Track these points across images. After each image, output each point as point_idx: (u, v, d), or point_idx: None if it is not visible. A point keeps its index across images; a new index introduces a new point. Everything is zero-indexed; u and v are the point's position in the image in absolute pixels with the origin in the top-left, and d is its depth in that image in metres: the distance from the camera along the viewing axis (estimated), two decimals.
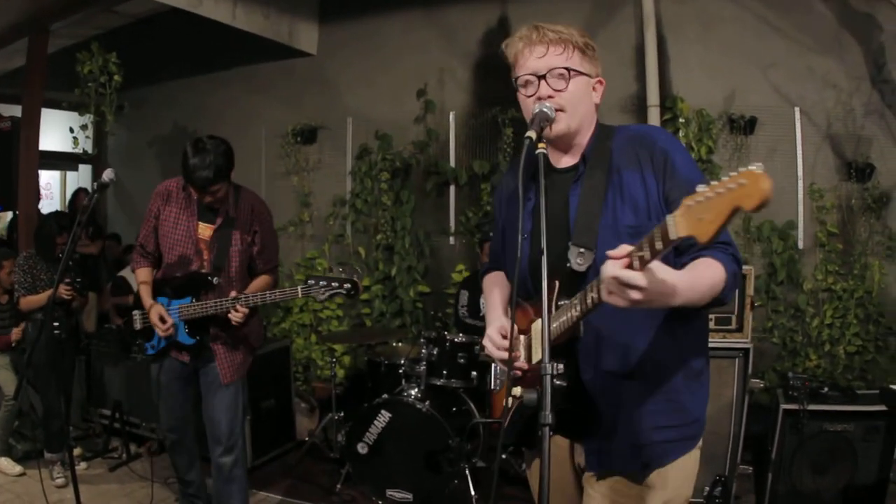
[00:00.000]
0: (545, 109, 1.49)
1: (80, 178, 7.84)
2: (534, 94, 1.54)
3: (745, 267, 3.32)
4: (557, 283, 1.47)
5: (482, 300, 4.21)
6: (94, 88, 5.10)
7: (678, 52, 4.44)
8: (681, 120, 4.31)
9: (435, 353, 3.70)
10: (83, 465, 4.07)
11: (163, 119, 6.49)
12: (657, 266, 1.20)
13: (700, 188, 1.06)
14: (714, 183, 1.04)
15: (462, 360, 3.71)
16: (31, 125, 5.11)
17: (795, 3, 4.17)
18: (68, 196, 7.64)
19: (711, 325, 3.26)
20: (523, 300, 1.64)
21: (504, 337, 1.61)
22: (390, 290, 5.31)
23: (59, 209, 7.36)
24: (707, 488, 3.28)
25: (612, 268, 1.21)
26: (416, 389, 3.61)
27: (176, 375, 2.97)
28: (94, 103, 5.13)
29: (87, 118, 5.23)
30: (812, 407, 3.20)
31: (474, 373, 3.71)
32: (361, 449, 3.53)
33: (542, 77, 1.53)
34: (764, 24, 4.21)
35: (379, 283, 5.35)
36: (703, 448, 1.63)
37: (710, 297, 1.37)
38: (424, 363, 3.66)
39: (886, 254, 4.04)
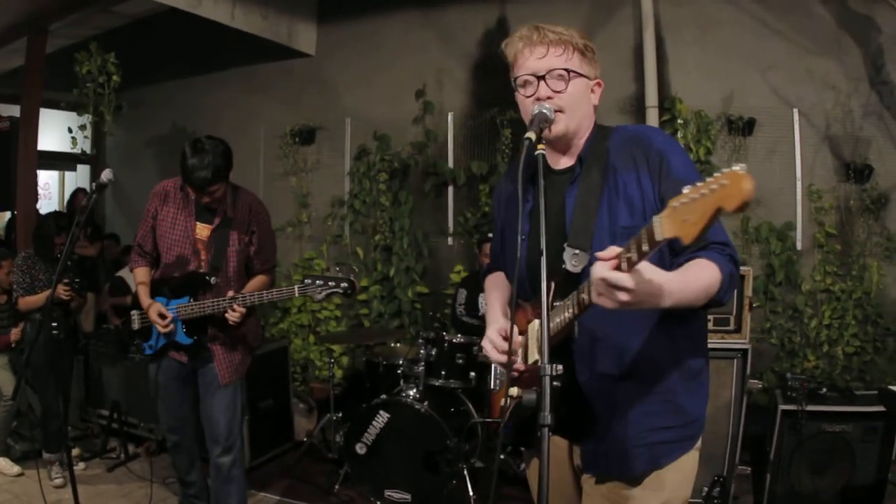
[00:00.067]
0: (544, 111, 1.49)
1: (79, 178, 7.83)
2: (533, 95, 1.54)
3: (743, 268, 3.33)
4: (553, 284, 1.47)
5: (480, 299, 4.24)
6: (93, 88, 5.10)
7: (676, 54, 4.45)
8: (679, 121, 4.31)
9: (433, 353, 3.70)
10: (81, 465, 4.06)
11: (161, 119, 6.49)
12: (645, 267, 1.20)
13: (685, 189, 1.06)
14: (699, 184, 1.04)
15: (460, 361, 3.71)
16: (29, 125, 5.10)
17: (794, 6, 4.17)
18: (67, 196, 7.62)
19: (710, 325, 3.26)
20: (522, 301, 1.64)
21: (504, 338, 1.61)
22: (388, 290, 5.31)
23: (57, 209, 7.35)
24: (706, 489, 3.29)
25: (601, 269, 1.21)
26: (415, 390, 3.61)
27: (174, 375, 2.97)
28: (93, 103, 5.13)
29: (86, 118, 5.23)
30: (810, 408, 3.21)
31: (473, 373, 3.71)
32: (360, 449, 3.53)
33: (541, 78, 1.53)
34: (762, 26, 4.22)
35: (377, 283, 5.34)
36: (701, 449, 1.61)
37: (704, 297, 1.36)
38: (423, 364, 3.66)
39: (885, 255, 4.05)
